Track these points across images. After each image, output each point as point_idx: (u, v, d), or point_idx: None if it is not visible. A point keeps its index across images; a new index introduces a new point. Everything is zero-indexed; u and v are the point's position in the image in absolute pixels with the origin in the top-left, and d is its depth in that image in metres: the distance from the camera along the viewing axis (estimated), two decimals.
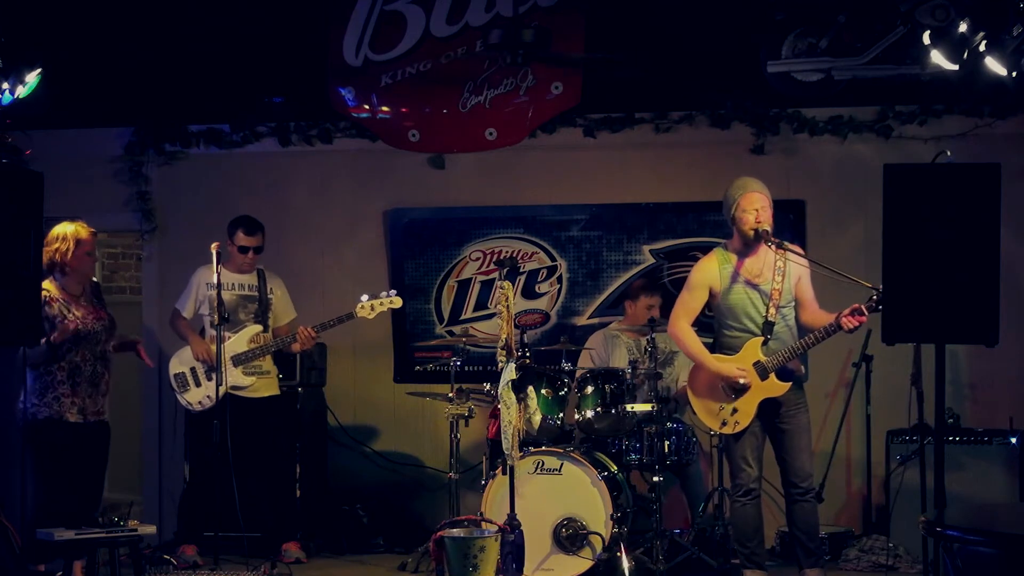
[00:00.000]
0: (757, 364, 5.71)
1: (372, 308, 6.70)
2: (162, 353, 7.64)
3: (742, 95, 7.35)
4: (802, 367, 5.90)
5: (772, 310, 5.74)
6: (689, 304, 5.91)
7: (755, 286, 5.77)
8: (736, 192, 5.78)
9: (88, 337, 6.12)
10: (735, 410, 5.75)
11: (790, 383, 5.73)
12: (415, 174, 7.81)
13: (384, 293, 6.77)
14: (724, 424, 5.78)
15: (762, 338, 5.73)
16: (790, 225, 7.22)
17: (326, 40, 7.65)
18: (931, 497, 4.91)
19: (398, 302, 6.77)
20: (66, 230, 6.19)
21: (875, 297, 5.42)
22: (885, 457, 6.82)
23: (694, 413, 5.97)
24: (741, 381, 5.69)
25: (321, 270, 7.83)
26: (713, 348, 5.91)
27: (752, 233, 5.72)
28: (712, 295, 5.86)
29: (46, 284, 6.04)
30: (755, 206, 5.73)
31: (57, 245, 6.15)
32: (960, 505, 6.04)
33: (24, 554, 5.64)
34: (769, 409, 5.76)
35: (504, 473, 5.72)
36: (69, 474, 6.10)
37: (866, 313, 5.50)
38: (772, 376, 5.70)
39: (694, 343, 5.88)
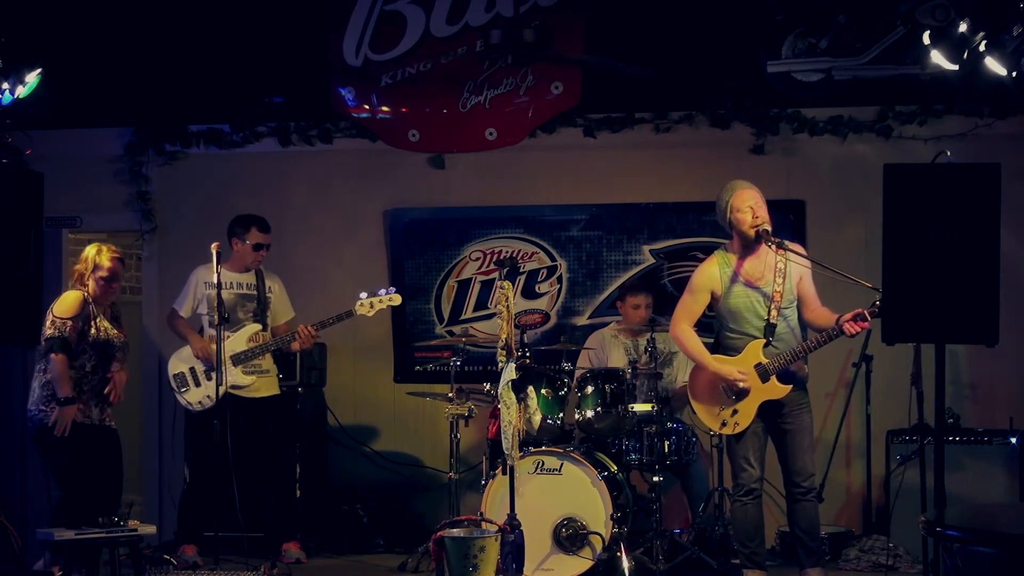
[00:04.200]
0: (758, 366, 5.71)
1: (372, 306, 6.71)
2: (161, 353, 7.65)
3: (742, 95, 7.35)
4: (805, 368, 5.89)
5: (774, 312, 5.73)
6: (690, 307, 5.91)
7: (756, 288, 5.77)
8: (727, 195, 5.77)
9: (108, 346, 6.20)
10: (735, 411, 5.75)
11: (791, 385, 5.72)
12: (415, 174, 7.81)
13: (383, 291, 6.77)
14: (724, 425, 5.78)
15: (763, 340, 5.73)
16: (790, 225, 7.22)
17: (326, 40, 7.66)
18: (931, 497, 4.91)
19: (397, 299, 6.78)
20: (90, 252, 6.31)
21: (877, 303, 5.42)
22: (885, 457, 6.82)
23: (694, 413, 5.97)
24: (740, 385, 5.69)
25: (321, 270, 7.83)
26: (714, 349, 5.90)
27: (752, 233, 5.71)
28: (714, 298, 5.85)
29: (83, 290, 6.23)
30: (748, 203, 5.73)
31: (81, 265, 6.30)
32: (960, 505, 6.04)
33: (65, 553, 5.65)
34: (772, 409, 5.76)
35: (504, 473, 5.71)
36: (87, 474, 6.14)
37: (868, 319, 5.50)
38: (773, 378, 5.70)
39: (695, 345, 5.88)
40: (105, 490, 6.25)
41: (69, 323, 6.09)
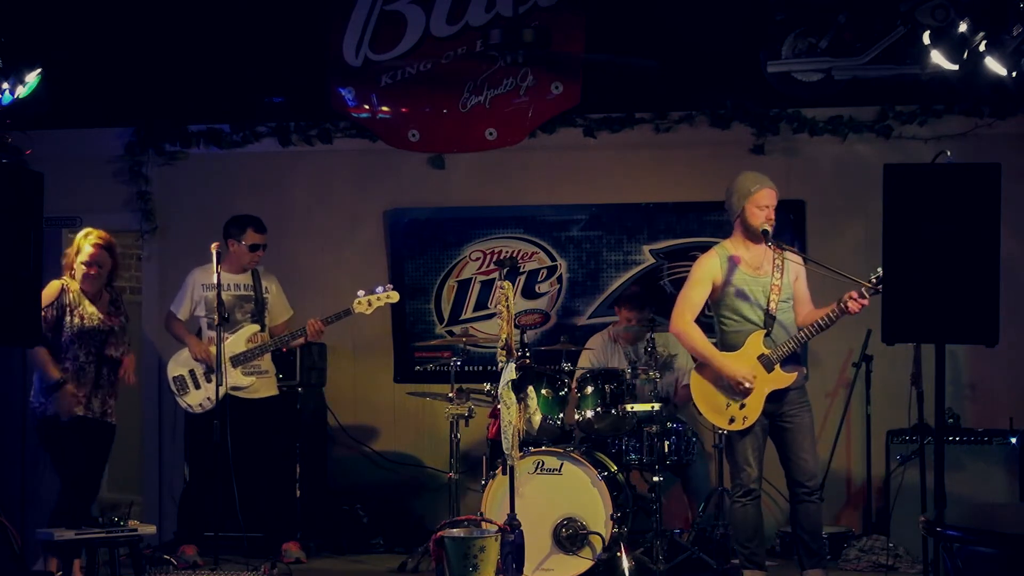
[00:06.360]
0: (762, 357, 5.72)
1: (370, 303, 6.71)
2: (161, 354, 7.65)
3: (742, 95, 7.34)
4: (804, 369, 5.90)
5: (773, 303, 5.75)
6: (693, 300, 5.90)
7: (755, 279, 5.79)
8: (753, 185, 5.77)
9: (88, 334, 6.14)
10: (743, 405, 5.75)
11: (796, 373, 5.74)
12: (415, 174, 7.81)
13: (380, 288, 6.76)
14: (732, 421, 5.77)
15: (764, 331, 5.74)
16: (790, 225, 7.22)
17: (326, 40, 7.66)
18: (931, 497, 4.91)
19: (395, 296, 6.78)
20: (77, 237, 6.30)
21: (873, 279, 5.45)
22: (885, 457, 6.82)
23: (700, 413, 5.95)
24: (746, 384, 5.69)
25: (321, 270, 7.83)
26: (716, 348, 5.90)
27: (760, 230, 5.74)
28: (714, 289, 5.86)
29: (66, 278, 6.20)
30: (766, 203, 5.77)
31: (71, 249, 6.29)
32: (960, 505, 6.04)
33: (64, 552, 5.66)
34: (773, 409, 5.76)
35: (504, 473, 5.71)
36: (82, 466, 6.14)
37: (867, 296, 5.52)
38: (777, 367, 5.70)
39: (700, 339, 5.87)
40: (91, 485, 6.24)
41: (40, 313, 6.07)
